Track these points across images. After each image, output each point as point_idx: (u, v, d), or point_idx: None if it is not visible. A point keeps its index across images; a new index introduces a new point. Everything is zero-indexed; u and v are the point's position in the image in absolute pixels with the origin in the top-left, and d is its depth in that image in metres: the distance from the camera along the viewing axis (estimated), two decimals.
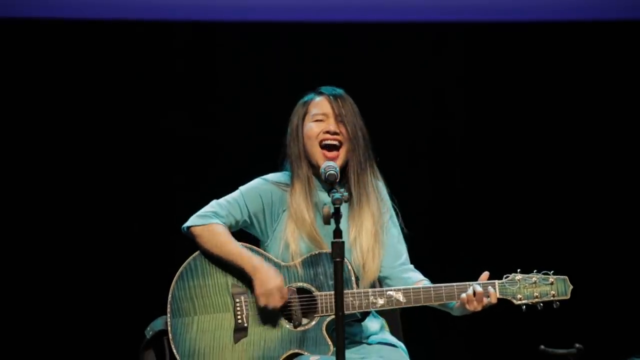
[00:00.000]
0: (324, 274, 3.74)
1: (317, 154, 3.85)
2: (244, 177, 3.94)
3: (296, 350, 3.69)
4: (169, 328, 3.72)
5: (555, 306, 3.70)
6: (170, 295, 3.74)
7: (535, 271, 3.72)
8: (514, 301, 3.70)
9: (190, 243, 3.79)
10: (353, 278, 3.72)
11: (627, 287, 5.93)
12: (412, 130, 5.99)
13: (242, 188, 3.90)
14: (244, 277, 3.73)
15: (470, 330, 5.83)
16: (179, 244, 3.85)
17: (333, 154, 3.84)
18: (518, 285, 3.69)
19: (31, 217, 5.81)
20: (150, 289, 4.41)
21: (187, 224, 3.81)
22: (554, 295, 3.70)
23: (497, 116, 6.04)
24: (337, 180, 3.62)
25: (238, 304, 3.72)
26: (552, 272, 3.71)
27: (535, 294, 3.69)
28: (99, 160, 5.86)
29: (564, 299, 3.71)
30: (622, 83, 6.01)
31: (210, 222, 3.79)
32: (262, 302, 3.68)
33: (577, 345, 4.02)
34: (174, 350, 3.69)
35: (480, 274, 3.71)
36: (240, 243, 3.78)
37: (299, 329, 3.71)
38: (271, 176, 3.93)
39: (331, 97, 3.91)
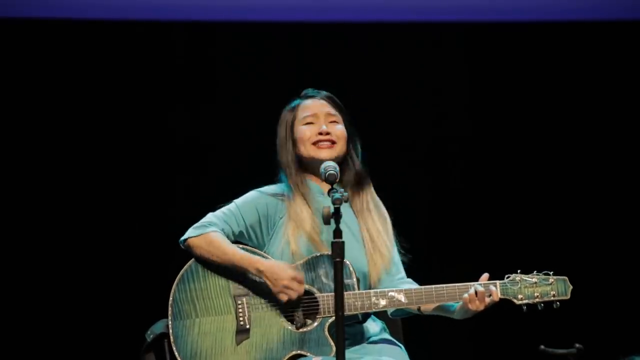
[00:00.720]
0: (325, 275, 3.74)
1: (312, 151, 3.84)
2: (244, 177, 3.93)
3: (298, 352, 3.69)
4: (170, 331, 3.71)
5: (555, 306, 3.71)
6: (171, 298, 3.74)
7: (535, 271, 3.73)
8: (515, 301, 3.70)
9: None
10: (354, 279, 3.72)
11: (626, 287, 5.93)
12: (411, 130, 5.98)
13: (237, 201, 3.88)
14: (245, 279, 3.73)
15: (470, 330, 5.83)
16: (179, 246, 3.84)
17: (327, 149, 3.83)
18: (519, 286, 3.70)
19: (31, 218, 5.80)
20: (151, 292, 4.40)
21: (184, 236, 3.80)
22: (554, 296, 3.70)
23: (497, 116, 6.04)
24: (337, 180, 3.62)
25: (240, 306, 3.72)
26: (552, 272, 3.72)
27: (536, 294, 3.70)
28: (99, 160, 5.85)
29: (563, 299, 3.71)
30: (622, 83, 6.01)
31: (207, 230, 3.78)
32: (284, 297, 3.66)
33: (577, 345, 4.02)
34: (176, 353, 3.69)
35: (480, 275, 3.71)
36: (240, 245, 3.78)
37: (301, 330, 3.71)
38: (266, 188, 3.92)
39: (319, 98, 3.91)
